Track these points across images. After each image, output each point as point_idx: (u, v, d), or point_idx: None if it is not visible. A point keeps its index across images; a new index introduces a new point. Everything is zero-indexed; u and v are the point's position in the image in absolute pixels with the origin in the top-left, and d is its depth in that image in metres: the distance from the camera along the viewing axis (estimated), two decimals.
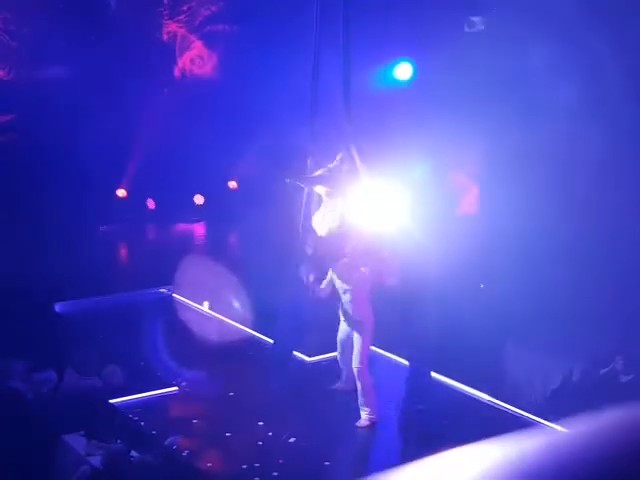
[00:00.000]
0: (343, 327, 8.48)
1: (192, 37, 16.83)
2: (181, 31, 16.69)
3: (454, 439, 7.35)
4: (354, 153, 8.05)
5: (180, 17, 16.68)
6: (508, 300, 10.46)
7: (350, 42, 8.12)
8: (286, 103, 15.63)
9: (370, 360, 9.62)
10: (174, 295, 12.22)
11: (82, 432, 7.47)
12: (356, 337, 8.23)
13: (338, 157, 8.24)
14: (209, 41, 16.98)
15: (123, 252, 16.09)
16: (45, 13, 14.89)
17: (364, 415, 8.13)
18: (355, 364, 8.18)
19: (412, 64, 14.40)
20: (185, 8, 16.64)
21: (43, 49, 15.41)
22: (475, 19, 13.10)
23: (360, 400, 8.16)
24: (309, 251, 8.31)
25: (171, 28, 16.66)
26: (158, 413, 8.24)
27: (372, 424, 8.11)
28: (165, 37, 16.68)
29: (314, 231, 8.16)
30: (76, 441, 7.41)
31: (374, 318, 8.23)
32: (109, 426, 7.48)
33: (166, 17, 16.47)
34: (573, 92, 10.77)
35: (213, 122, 16.58)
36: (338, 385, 8.80)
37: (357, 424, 8.09)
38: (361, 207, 8.10)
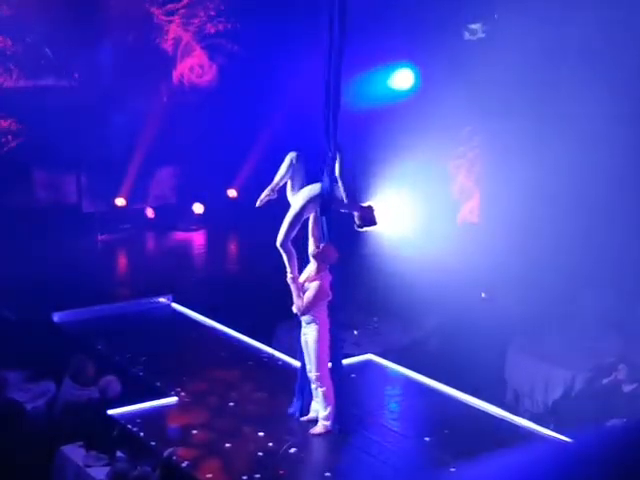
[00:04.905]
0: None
1: (196, 45, 16.79)
2: (186, 37, 16.63)
3: (457, 450, 7.33)
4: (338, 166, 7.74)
5: (191, 21, 16.60)
6: (510, 309, 10.42)
7: (343, 54, 7.86)
8: (285, 112, 15.69)
9: (368, 368, 9.64)
10: (173, 304, 12.16)
11: (80, 443, 7.42)
12: (310, 341, 7.76)
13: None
14: (212, 52, 16.93)
15: (122, 261, 16.03)
16: (46, 18, 14.82)
17: (321, 422, 7.86)
18: (313, 371, 7.78)
19: (414, 71, 14.43)
20: (201, 14, 16.56)
21: (42, 55, 15.37)
22: (475, 26, 13.11)
23: (320, 407, 7.85)
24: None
25: (177, 33, 16.60)
26: (157, 424, 8.18)
27: (327, 432, 7.83)
28: (169, 42, 16.60)
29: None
30: (74, 452, 7.37)
31: (328, 320, 7.77)
32: (108, 437, 7.43)
33: (177, 20, 16.38)
34: (576, 99, 10.77)
35: (213, 131, 16.57)
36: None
37: (311, 431, 7.87)
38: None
